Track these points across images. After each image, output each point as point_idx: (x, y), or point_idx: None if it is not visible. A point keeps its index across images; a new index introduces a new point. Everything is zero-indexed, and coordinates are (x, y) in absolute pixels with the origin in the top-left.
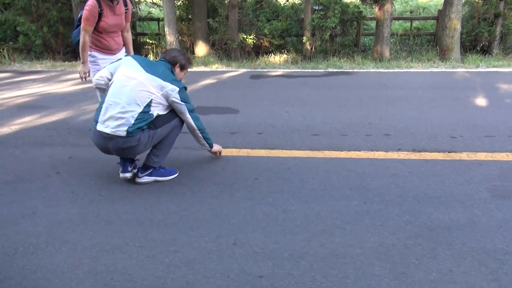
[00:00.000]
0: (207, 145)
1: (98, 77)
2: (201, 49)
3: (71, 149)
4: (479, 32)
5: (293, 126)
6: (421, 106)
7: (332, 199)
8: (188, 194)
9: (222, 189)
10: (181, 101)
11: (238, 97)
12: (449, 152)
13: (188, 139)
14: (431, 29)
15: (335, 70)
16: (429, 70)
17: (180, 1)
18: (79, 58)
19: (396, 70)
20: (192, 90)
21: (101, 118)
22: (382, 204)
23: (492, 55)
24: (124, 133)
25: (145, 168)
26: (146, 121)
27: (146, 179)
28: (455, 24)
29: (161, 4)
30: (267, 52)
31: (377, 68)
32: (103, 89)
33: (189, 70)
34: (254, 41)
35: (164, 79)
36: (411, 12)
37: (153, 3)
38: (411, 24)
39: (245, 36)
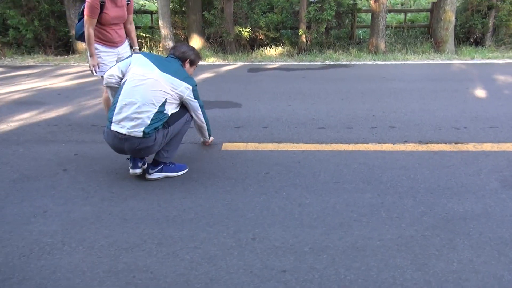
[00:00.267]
0: (208, 137)
1: (108, 76)
2: (196, 42)
3: (75, 145)
4: (472, 24)
5: (298, 119)
6: (422, 98)
7: (345, 192)
8: (201, 190)
9: (235, 184)
10: (194, 98)
11: (239, 90)
12: (455, 143)
13: (195, 134)
14: (423, 21)
15: (332, 62)
16: (426, 62)
17: None
18: (71, 52)
19: (393, 62)
20: None
21: (115, 118)
22: (396, 196)
23: (485, 47)
24: (140, 134)
25: (155, 164)
26: (161, 121)
27: (156, 175)
28: (450, 16)
29: None
30: (263, 45)
31: (374, 60)
32: (115, 88)
33: None
34: (250, 34)
35: (178, 77)
36: (402, 5)
37: None
38: (405, 16)
39: (241, 29)
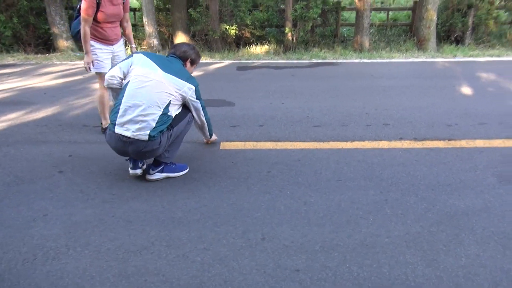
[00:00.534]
0: (209, 136)
1: (109, 77)
2: (181, 40)
3: (68, 146)
4: (453, 23)
5: (293, 117)
6: (411, 95)
7: (349, 190)
8: (204, 190)
9: (237, 183)
10: (197, 99)
11: (230, 89)
12: (449, 140)
13: (193, 134)
14: (403, 20)
15: (319, 61)
16: (410, 60)
17: None
18: (52, 50)
19: (379, 60)
20: None
21: (119, 120)
22: (398, 193)
23: (465, 45)
24: (146, 137)
25: (156, 164)
26: (166, 124)
27: (157, 175)
28: (432, 15)
29: None
30: (248, 43)
31: (360, 58)
32: (116, 89)
33: None
34: (236, 32)
35: (181, 78)
36: (382, 3)
37: None
38: (388, 14)
39: (227, 27)
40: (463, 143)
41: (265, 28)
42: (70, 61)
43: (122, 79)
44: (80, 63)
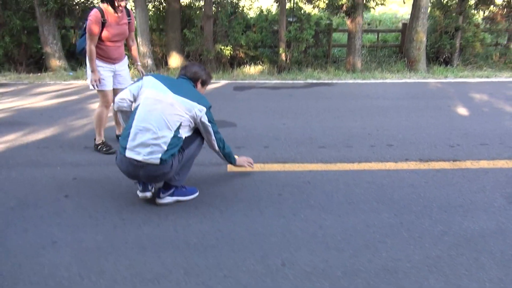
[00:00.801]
0: (231, 162)
1: (120, 99)
2: (175, 60)
3: (72, 169)
4: (441, 45)
5: (296, 138)
6: (409, 115)
7: (362, 213)
8: (217, 214)
9: (249, 206)
10: (208, 121)
11: (229, 109)
12: (453, 161)
13: (200, 156)
14: (392, 41)
15: (314, 81)
16: (403, 80)
17: (151, 11)
18: (44, 69)
19: (372, 80)
20: None
21: (130, 144)
22: (412, 215)
23: (453, 66)
24: (157, 161)
25: (166, 187)
26: (178, 146)
27: (168, 199)
28: (421, 36)
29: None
30: (242, 63)
31: (354, 79)
32: (126, 112)
33: None
34: (231, 52)
35: (192, 99)
36: (368, 24)
37: None
38: (378, 36)
39: (222, 47)
40: (468, 164)
41: (258, 48)
42: (64, 80)
43: (132, 102)
44: (75, 83)
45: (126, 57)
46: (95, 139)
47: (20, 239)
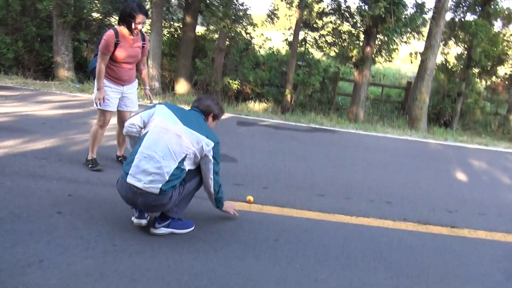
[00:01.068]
0: (215, 206)
1: (129, 124)
2: (182, 86)
3: (68, 185)
4: (443, 107)
5: (297, 182)
6: (409, 173)
7: (359, 270)
8: (211, 252)
9: (245, 249)
10: (213, 157)
11: (232, 144)
12: (451, 227)
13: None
14: (395, 96)
15: (317, 126)
16: (404, 137)
17: (166, 37)
18: (51, 78)
19: (374, 133)
20: None
21: (132, 170)
22: (408, 280)
23: (453, 130)
24: (157, 191)
25: (162, 218)
26: (180, 178)
27: (162, 230)
28: (425, 97)
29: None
30: (248, 98)
31: (356, 129)
32: (134, 137)
33: None
34: (238, 87)
35: (201, 133)
36: (372, 77)
37: None
38: (382, 90)
39: (230, 81)
40: (466, 232)
41: (265, 86)
42: (70, 92)
43: (141, 128)
44: (81, 96)
45: (136, 80)
46: (88, 154)
47: (6, 253)
